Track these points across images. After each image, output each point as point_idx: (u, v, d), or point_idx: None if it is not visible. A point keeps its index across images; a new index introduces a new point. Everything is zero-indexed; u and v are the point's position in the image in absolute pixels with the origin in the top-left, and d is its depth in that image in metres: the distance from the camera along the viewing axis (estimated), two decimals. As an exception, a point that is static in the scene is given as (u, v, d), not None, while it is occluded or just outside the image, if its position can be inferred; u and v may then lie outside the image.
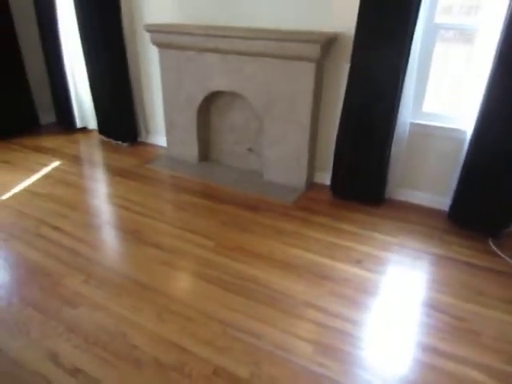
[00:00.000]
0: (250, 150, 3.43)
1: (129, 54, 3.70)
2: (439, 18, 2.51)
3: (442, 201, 2.81)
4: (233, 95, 3.27)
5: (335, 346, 1.71)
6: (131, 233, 2.52)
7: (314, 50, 2.62)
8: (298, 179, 3.15)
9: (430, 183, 2.86)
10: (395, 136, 2.71)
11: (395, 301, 1.98)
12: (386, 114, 2.61)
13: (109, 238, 2.46)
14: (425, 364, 1.62)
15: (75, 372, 1.56)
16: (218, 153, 3.66)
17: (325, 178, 3.19)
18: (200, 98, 3.32)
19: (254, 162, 3.46)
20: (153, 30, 3.21)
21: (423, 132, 2.74)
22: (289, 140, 3.05)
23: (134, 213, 2.75)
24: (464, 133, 2.58)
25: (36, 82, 4.27)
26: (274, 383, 1.54)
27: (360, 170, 2.85)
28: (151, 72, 3.73)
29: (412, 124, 2.72)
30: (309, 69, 2.74)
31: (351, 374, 1.58)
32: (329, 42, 2.69)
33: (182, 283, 2.08)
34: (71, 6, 3.67)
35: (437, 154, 2.75)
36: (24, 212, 2.70)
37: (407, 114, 2.66)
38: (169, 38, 3.18)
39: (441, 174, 2.78)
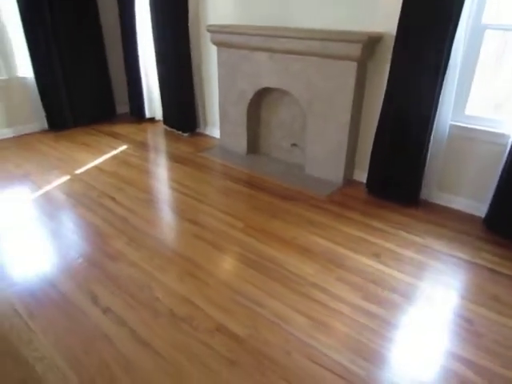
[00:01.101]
0: (294, 145, 3.60)
1: (192, 54, 4.07)
2: (487, 19, 2.45)
3: (479, 207, 2.72)
4: (282, 92, 3.46)
5: (329, 324, 1.83)
6: (174, 209, 2.85)
7: (355, 50, 2.72)
8: (336, 175, 3.25)
9: (468, 188, 2.78)
10: (433, 137, 2.70)
11: (402, 296, 2.02)
12: (424, 114, 2.61)
13: (154, 211, 2.81)
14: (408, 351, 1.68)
15: (107, 310, 1.89)
16: (266, 146, 3.88)
17: (364, 176, 3.23)
18: (251, 93, 3.57)
19: (298, 157, 3.62)
20: (213, 30, 3.53)
21: (465, 135, 2.68)
22: (329, 136, 3.17)
23: (181, 193, 3.08)
24: (508, 137, 2.49)
25: (115, 78, 4.88)
26: (266, 345, 1.71)
27: (396, 169, 2.87)
28: (211, 69, 4.07)
29: (453, 126, 2.68)
30: (350, 68, 2.84)
31: (337, 349, 1.69)
32: (372, 42, 2.76)
33: (207, 254, 2.34)
34: (147, 11, 4.14)
35: (477, 158, 2.67)
36: (91, 184, 3.18)
37: (447, 116, 2.63)
38: (226, 38, 3.47)
39: (480, 179, 2.70)
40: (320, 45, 2.87)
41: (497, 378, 1.57)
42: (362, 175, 3.26)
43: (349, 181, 3.32)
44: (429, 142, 2.70)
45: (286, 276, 2.15)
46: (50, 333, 1.76)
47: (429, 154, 2.76)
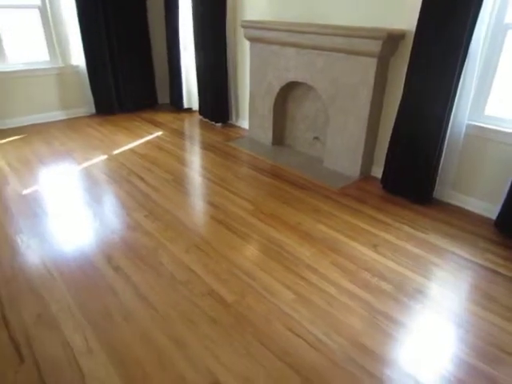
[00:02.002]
0: (316, 138, 3.70)
1: (228, 49, 4.28)
2: (510, 19, 2.41)
3: (492, 209, 2.68)
4: (308, 87, 3.58)
5: (313, 300, 1.95)
6: (193, 190, 3.08)
7: (375, 46, 2.78)
8: (353, 169, 3.31)
9: (482, 189, 2.74)
10: (448, 136, 2.70)
11: (390, 284, 2.09)
12: (439, 113, 2.62)
13: (175, 190, 3.05)
14: (389, 335, 1.76)
15: (117, 269, 2.14)
16: (290, 139, 4.01)
17: (381, 172, 3.27)
18: (278, 87, 3.72)
19: (319, 150, 3.72)
20: (246, 25, 3.71)
21: (482, 135, 2.65)
22: (348, 131, 3.24)
23: (203, 177, 3.31)
24: (525, 139, 2.44)
25: (159, 70, 5.23)
26: (250, 312, 1.87)
27: (410, 167, 2.89)
28: (244, 63, 4.26)
29: (470, 126, 2.66)
30: (371, 64, 2.90)
31: (314, 322, 1.82)
32: (394, 39, 2.80)
33: (215, 230, 2.53)
34: (190, 6, 4.42)
35: (494, 159, 2.64)
36: (124, 163, 3.50)
37: (463, 115, 2.62)
38: (258, 33, 3.65)
39: (495, 181, 2.66)
40: (343, 41, 2.96)
41: (477, 371, 1.62)
42: (379, 172, 3.30)
43: (366, 176, 3.37)
44: (443, 141, 2.70)
45: (283, 255, 2.29)
46: (68, 282, 2.04)
47: (443, 153, 2.76)
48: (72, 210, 2.75)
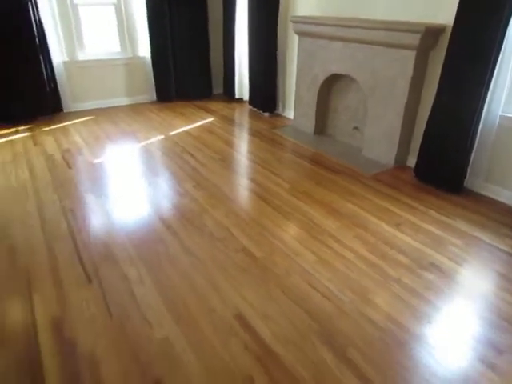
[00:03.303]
0: (356, 128, 3.89)
1: (278, 43, 4.57)
2: (549, 11, 2.46)
3: (523, 199, 2.73)
4: (350, 79, 3.77)
5: (332, 264, 2.20)
6: (236, 168, 3.42)
7: (414, 39, 2.92)
8: (388, 157, 3.47)
9: (513, 179, 2.79)
10: (481, 127, 2.78)
11: (407, 257, 2.27)
12: (474, 103, 2.72)
13: (220, 167, 3.41)
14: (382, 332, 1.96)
15: (168, 227, 2.53)
16: (332, 128, 4.22)
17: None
18: (322, 79, 3.94)
19: (359, 140, 3.90)
20: (295, 20, 3.98)
21: (517, 127, 2.71)
22: (385, 121, 3.40)
23: (246, 158, 3.64)
24: (558, 131, 2.48)
25: (214, 62, 5.64)
26: (274, 266, 2.16)
27: (442, 156, 3.00)
28: (292, 57, 4.52)
29: (504, 118, 2.73)
30: (409, 57, 3.04)
31: (331, 280, 2.06)
32: (433, 33, 2.93)
33: (252, 201, 2.84)
34: (246, 3, 4.76)
35: (527, 150, 2.69)
36: (178, 143, 3.93)
37: (497, 107, 2.70)
38: (307, 28, 3.89)
39: (527, 172, 2.71)
40: (383, 34, 3.13)
41: (480, 338, 1.79)
42: (415, 162, 3.41)
43: (401, 166, 3.51)
44: (476, 132, 2.79)
45: (310, 226, 2.56)
46: (127, 232, 2.46)
47: (476, 144, 2.85)
48: (132, 177, 3.20)
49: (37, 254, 2.24)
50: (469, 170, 2.95)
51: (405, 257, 2.28)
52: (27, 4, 4.03)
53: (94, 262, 2.18)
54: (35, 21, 4.15)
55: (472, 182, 3.02)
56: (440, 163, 3.03)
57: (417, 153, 3.38)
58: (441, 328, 1.77)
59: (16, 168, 3.32)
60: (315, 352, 1.65)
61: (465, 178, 2.96)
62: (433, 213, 2.74)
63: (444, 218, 2.67)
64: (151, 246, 2.33)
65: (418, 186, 3.15)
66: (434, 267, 2.19)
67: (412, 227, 2.57)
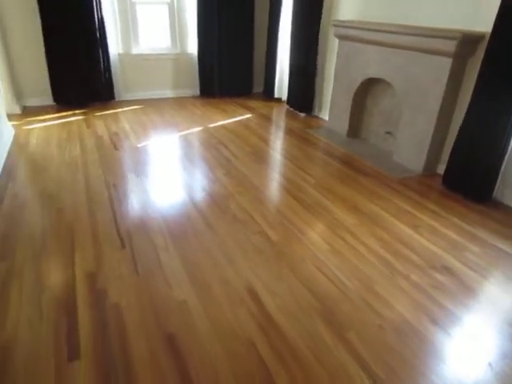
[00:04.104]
0: (388, 133, 3.94)
1: (320, 46, 4.70)
2: None
3: (549, 213, 2.69)
4: (387, 84, 3.83)
5: (344, 254, 2.31)
6: (266, 161, 3.59)
7: (450, 46, 2.96)
8: (417, 163, 3.50)
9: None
10: (512, 137, 2.77)
11: (421, 258, 2.34)
12: (507, 114, 2.72)
13: (251, 159, 3.60)
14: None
15: (196, 206, 2.75)
16: (365, 132, 4.29)
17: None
18: (359, 82, 4.03)
19: (391, 145, 3.95)
20: (336, 24, 4.10)
21: (549, 140, 2.68)
22: (418, 126, 3.44)
23: (277, 153, 3.81)
24: None
25: (257, 62, 5.86)
26: (289, 250, 2.31)
27: (471, 165, 3.01)
28: (331, 60, 4.63)
29: (537, 129, 2.71)
30: (445, 63, 3.08)
31: (340, 268, 2.18)
32: (471, 41, 2.95)
33: (276, 192, 3.01)
34: (290, 11, 4.93)
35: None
36: (214, 135, 4.17)
37: (530, 118, 2.68)
38: (347, 32, 4.00)
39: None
40: (420, 40, 3.18)
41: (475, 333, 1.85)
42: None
43: (431, 172, 3.52)
44: (508, 143, 2.78)
45: (328, 219, 2.68)
46: (160, 207, 2.71)
47: (507, 156, 2.84)
48: (170, 162, 3.47)
49: (81, 218, 2.54)
50: (499, 181, 2.94)
51: (417, 257, 2.35)
52: (92, 1, 4.44)
53: (128, 231, 2.44)
54: (97, 16, 4.57)
55: (501, 193, 3.00)
56: (469, 172, 3.04)
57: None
58: (441, 323, 1.85)
59: (70, 145, 3.69)
60: (315, 328, 1.79)
61: (494, 188, 2.95)
62: (455, 220, 2.77)
63: (465, 225, 2.69)
64: (179, 221, 2.56)
65: (444, 193, 3.17)
66: (446, 269, 2.24)
67: (430, 231, 2.62)
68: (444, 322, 1.85)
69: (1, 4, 4.31)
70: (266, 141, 4.16)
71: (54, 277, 2.03)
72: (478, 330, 1.81)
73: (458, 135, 3.11)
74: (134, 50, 5.15)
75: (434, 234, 2.59)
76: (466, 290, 2.06)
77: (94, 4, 4.49)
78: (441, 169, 3.47)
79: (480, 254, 2.38)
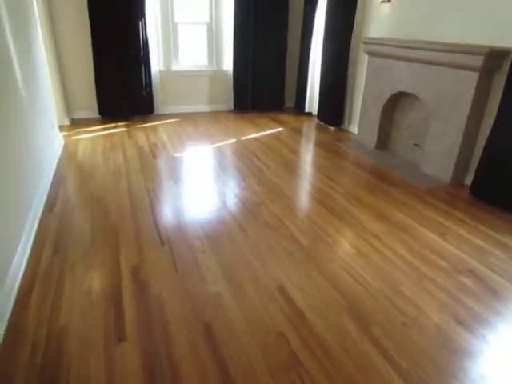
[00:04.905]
0: (416, 145, 4.01)
1: (350, 62, 4.86)
2: None
3: None
4: (414, 97, 3.93)
5: (370, 257, 2.41)
6: (296, 171, 3.75)
7: (477, 61, 3.05)
8: (445, 174, 3.55)
9: None
10: (542, 148, 2.80)
11: (446, 262, 2.40)
12: (534, 124, 2.76)
13: (282, 169, 3.76)
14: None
15: (230, 212, 2.93)
16: (393, 144, 4.37)
17: (474, 181, 3.43)
18: (387, 96, 4.14)
19: (418, 157, 4.01)
20: (366, 41, 4.25)
21: None
22: (445, 138, 3.50)
23: (307, 164, 3.96)
24: None
25: (288, 79, 6.08)
26: (317, 253, 2.44)
27: (498, 175, 3.04)
28: (361, 75, 4.77)
29: None
30: (472, 77, 3.16)
31: (366, 270, 2.28)
32: (498, 56, 3.03)
33: (305, 200, 3.14)
34: (322, 29, 5.14)
35: None
36: (247, 146, 4.38)
37: (560, 129, 2.71)
38: (376, 49, 4.15)
39: None
40: (448, 56, 3.28)
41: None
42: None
43: (459, 183, 3.56)
44: (536, 152, 2.81)
45: (356, 226, 2.78)
46: (196, 211, 2.91)
47: (536, 165, 2.86)
48: (205, 170, 3.69)
49: (124, 219, 2.77)
50: (527, 191, 2.95)
51: (444, 261, 2.41)
52: (138, 22, 4.83)
53: (167, 231, 2.64)
54: (142, 36, 4.94)
55: (530, 204, 3.00)
56: (497, 183, 3.07)
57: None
58: (465, 323, 1.91)
59: (113, 154, 4.00)
60: (341, 322, 1.90)
61: (522, 198, 2.97)
62: (482, 227, 2.81)
63: (492, 233, 2.73)
64: (214, 224, 2.75)
65: (472, 203, 3.20)
66: (471, 273, 2.29)
67: (457, 238, 2.67)
68: (469, 322, 1.91)
69: (56, 26, 4.77)
70: (296, 152, 4.32)
71: (102, 270, 2.25)
72: (503, 331, 1.85)
73: (485, 146, 3.16)
74: (174, 67, 5.50)
75: (461, 241, 2.64)
76: (492, 293, 2.11)
77: (140, 25, 4.88)
78: (468, 179, 3.50)
79: (506, 260, 2.42)
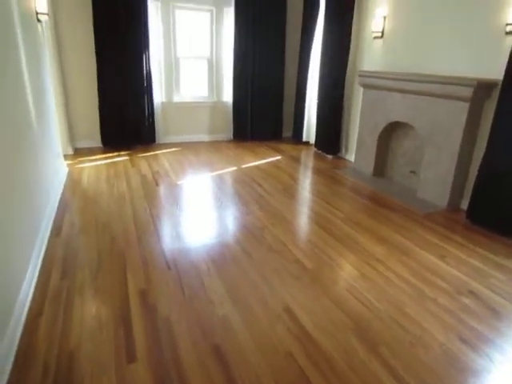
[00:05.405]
0: (412, 172, 4.14)
1: (345, 94, 5.08)
2: None
3: None
4: (409, 127, 4.10)
5: (374, 280, 2.46)
6: (296, 197, 3.84)
7: (467, 92, 3.23)
8: (441, 199, 3.66)
9: None
10: (533, 173, 2.92)
11: (447, 283, 2.45)
12: (524, 151, 2.90)
13: (282, 195, 3.85)
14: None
15: (234, 236, 2.99)
16: (390, 171, 4.51)
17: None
18: (383, 126, 4.32)
19: (415, 183, 4.13)
20: (362, 74, 4.47)
21: None
22: (440, 165, 3.64)
23: (306, 191, 4.06)
24: None
25: (286, 110, 6.30)
26: (322, 275, 2.48)
27: (493, 200, 3.15)
28: (356, 106, 4.98)
29: (557, 166, 2.86)
30: (463, 107, 3.33)
31: (369, 291, 2.32)
32: (486, 87, 3.21)
33: (306, 224, 3.21)
34: (318, 62, 5.40)
35: None
36: (247, 174, 4.49)
37: (549, 155, 2.84)
38: (371, 81, 4.36)
39: None
40: (439, 87, 3.47)
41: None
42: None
43: (455, 208, 3.66)
44: (528, 177, 2.93)
45: (358, 250, 2.85)
46: (199, 235, 2.96)
47: (528, 189, 2.98)
48: (207, 197, 3.77)
49: (130, 244, 2.82)
50: (521, 214, 3.05)
51: (444, 282, 2.46)
52: (143, 56, 5.06)
53: (173, 256, 2.68)
54: (146, 69, 5.15)
55: (525, 227, 3.10)
56: (492, 207, 3.17)
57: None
58: (469, 342, 1.95)
59: (117, 181, 4.08)
60: (349, 343, 1.93)
61: (517, 222, 3.06)
62: (480, 250, 2.88)
63: (491, 256, 2.80)
64: (218, 248, 2.80)
65: (468, 226, 3.29)
66: (472, 294, 2.34)
67: (457, 260, 2.74)
68: (473, 341, 1.95)
69: (63, 56, 4.96)
70: (295, 179, 4.43)
71: (111, 294, 2.27)
72: (508, 351, 1.89)
73: (478, 172, 3.29)
74: (176, 99, 5.69)
75: (460, 262, 2.70)
76: (494, 314, 2.16)
77: (144, 59, 5.10)
78: (464, 204, 3.61)
79: (506, 281, 2.48)
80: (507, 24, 3.06)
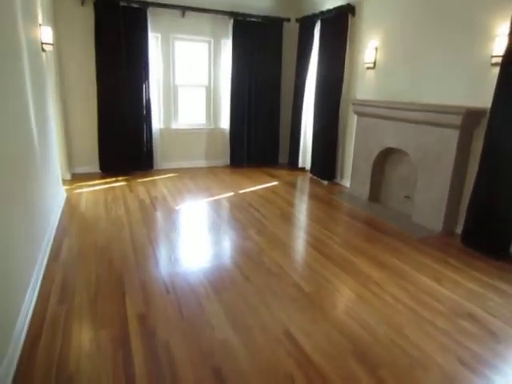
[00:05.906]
0: (407, 197, 4.22)
1: (340, 122, 5.23)
2: None
3: None
4: (402, 153, 4.22)
5: (372, 303, 2.47)
6: (293, 221, 3.88)
7: (456, 120, 3.36)
8: (436, 223, 3.72)
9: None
10: (523, 197, 3.01)
11: (444, 306, 2.47)
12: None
13: (280, 220, 3.89)
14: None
15: (232, 260, 3.00)
16: (385, 196, 4.59)
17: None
18: (377, 152, 4.43)
19: (409, 208, 4.21)
20: (355, 103, 4.63)
21: (558, 200, 2.90)
22: (433, 190, 3.73)
23: (303, 215, 4.11)
24: None
25: (282, 137, 6.44)
26: (320, 299, 2.50)
27: (486, 224, 3.22)
28: (351, 133, 5.12)
29: (545, 190, 2.95)
30: (454, 134, 3.45)
31: (369, 313, 2.34)
32: (475, 114, 3.35)
33: (304, 248, 3.24)
34: (313, 91, 5.59)
35: None
36: (245, 199, 4.54)
37: (538, 180, 2.94)
38: (364, 109, 4.51)
39: None
40: (430, 115, 3.61)
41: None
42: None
43: (450, 232, 3.72)
44: (518, 201, 3.02)
45: (355, 273, 2.87)
46: (197, 258, 2.97)
47: (519, 213, 3.06)
48: (204, 222, 3.80)
49: (129, 267, 2.82)
50: (514, 238, 3.12)
51: (441, 305, 2.49)
52: (142, 84, 5.21)
53: (171, 279, 2.69)
54: (145, 97, 5.30)
55: (518, 250, 3.15)
56: (485, 231, 3.24)
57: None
58: (468, 363, 1.95)
59: (115, 206, 4.11)
60: (349, 365, 1.93)
61: (510, 244, 3.12)
62: (475, 273, 2.92)
63: (486, 279, 2.83)
64: (217, 272, 2.81)
65: (463, 250, 3.34)
66: (470, 316, 2.37)
67: (452, 283, 2.77)
68: (473, 364, 1.96)
69: (65, 84, 5.09)
70: (292, 205, 4.49)
71: (109, 317, 2.26)
72: (507, 373, 1.90)
73: (471, 197, 3.37)
74: (174, 125, 5.81)
75: (456, 285, 2.73)
76: (492, 336, 2.18)
77: (144, 87, 5.25)
78: (459, 228, 3.67)
79: (503, 304, 2.50)
80: (492, 56, 3.23)
